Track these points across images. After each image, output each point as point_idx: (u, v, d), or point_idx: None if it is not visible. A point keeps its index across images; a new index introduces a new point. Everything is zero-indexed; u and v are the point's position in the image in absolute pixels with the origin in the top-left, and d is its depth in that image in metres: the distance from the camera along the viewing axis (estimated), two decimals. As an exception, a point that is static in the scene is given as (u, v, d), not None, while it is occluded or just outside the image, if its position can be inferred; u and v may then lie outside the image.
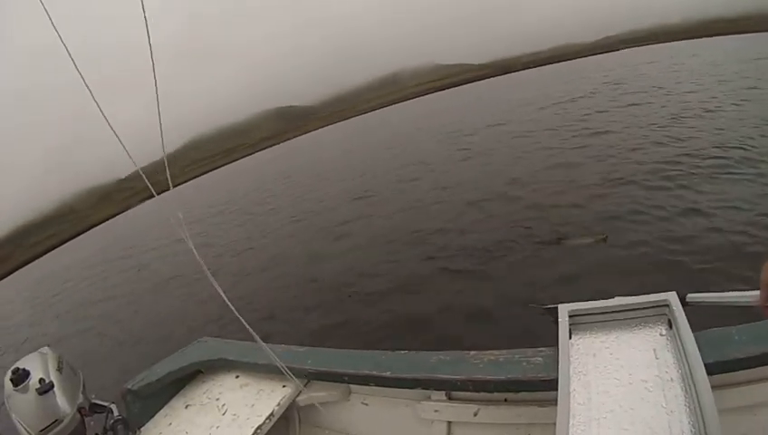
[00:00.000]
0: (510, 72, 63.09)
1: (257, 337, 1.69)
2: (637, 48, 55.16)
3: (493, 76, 64.20)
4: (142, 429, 1.87)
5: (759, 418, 1.44)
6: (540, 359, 1.39)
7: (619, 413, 1.04)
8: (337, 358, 1.80)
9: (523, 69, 63.65)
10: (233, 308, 1.54)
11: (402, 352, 1.69)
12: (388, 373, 1.57)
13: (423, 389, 1.60)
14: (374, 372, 1.60)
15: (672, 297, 1.27)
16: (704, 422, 0.94)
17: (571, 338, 1.30)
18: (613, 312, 1.32)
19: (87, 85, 1.21)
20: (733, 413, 1.37)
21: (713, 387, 1.09)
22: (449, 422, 1.65)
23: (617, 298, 1.33)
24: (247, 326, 1.61)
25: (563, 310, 1.34)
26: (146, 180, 1.45)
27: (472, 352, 1.53)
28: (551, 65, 56.95)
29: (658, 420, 0.99)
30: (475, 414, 1.56)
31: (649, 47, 50.54)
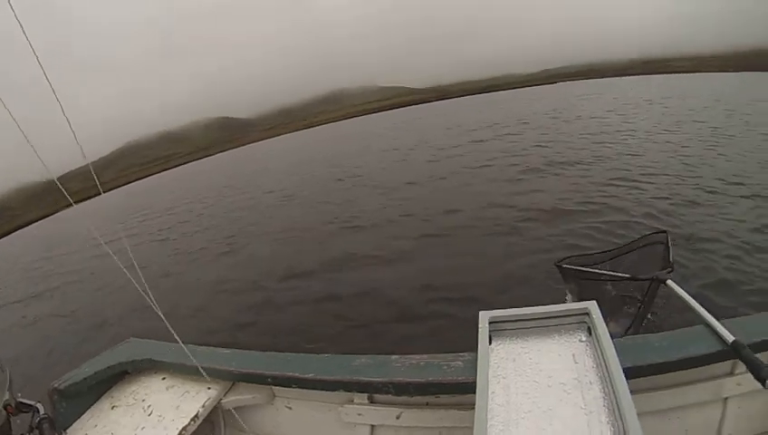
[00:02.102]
0: (445, 99, 62.98)
1: (178, 338, 1.72)
2: (572, 81, 57.31)
3: (429, 101, 63.85)
4: (68, 429, 1.80)
5: (679, 421, 1.57)
6: (460, 363, 1.44)
7: (537, 414, 1.04)
8: (261, 360, 1.78)
9: (459, 96, 63.55)
10: (157, 308, 1.55)
11: (325, 355, 1.71)
12: (310, 375, 1.58)
13: (345, 391, 1.60)
14: (296, 374, 1.60)
15: (592, 305, 1.30)
16: (623, 421, 0.94)
17: (491, 344, 1.30)
18: (534, 319, 1.33)
19: (49, 82, 1.27)
20: (652, 416, 1.51)
21: (633, 391, 1.17)
22: (372, 426, 1.69)
23: (538, 306, 1.34)
24: (169, 327, 1.63)
25: (484, 316, 1.35)
26: (63, 189, 1.44)
27: (394, 356, 1.56)
28: (484, 94, 57.76)
29: (577, 420, 0.99)
30: (398, 417, 1.61)
31: (585, 81, 53.40)
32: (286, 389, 1.77)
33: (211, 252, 8.75)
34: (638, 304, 2.84)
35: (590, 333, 1.28)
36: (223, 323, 5.30)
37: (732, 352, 1.32)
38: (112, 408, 1.87)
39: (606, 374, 1.10)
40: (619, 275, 2.79)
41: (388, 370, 1.49)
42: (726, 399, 1.57)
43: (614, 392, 1.03)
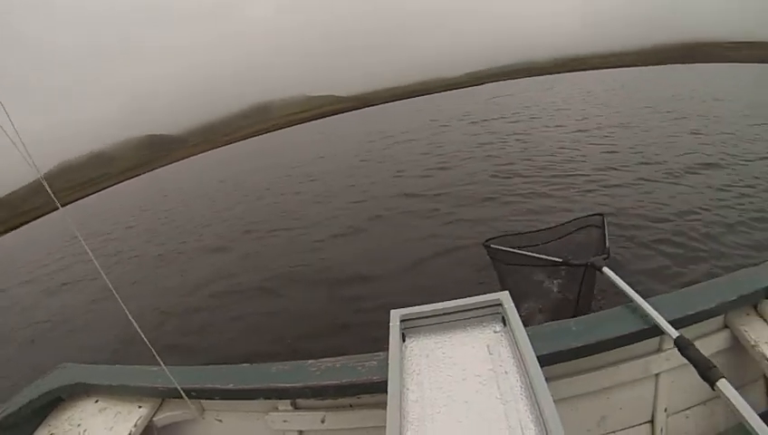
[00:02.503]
0: (373, 105, 63.23)
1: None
2: (500, 82, 59.93)
3: (358, 108, 63.73)
4: None
5: (612, 400, 1.63)
6: (375, 362, 1.49)
7: (452, 407, 1.02)
8: (188, 375, 1.77)
9: (387, 102, 63.98)
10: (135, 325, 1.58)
11: (245, 365, 1.73)
12: (230, 386, 1.60)
13: (266, 399, 1.64)
14: (218, 386, 1.63)
15: (504, 296, 1.30)
16: (539, 407, 0.94)
17: (405, 341, 1.29)
18: (447, 314, 1.31)
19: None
20: (584, 398, 1.59)
21: (558, 376, 1.40)
22: (300, 431, 1.72)
23: (451, 301, 1.32)
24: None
25: (395, 315, 1.32)
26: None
27: (311, 361, 1.59)
28: (412, 98, 58.72)
29: (494, 410, 0.99)
30: (323, 421, 1.63)
31: (512, 81, 55.87)
32: (213, 402, 1.80)
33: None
34: (577, 291, 2.65)
35: (505, 324, 1.26)
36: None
37: (655, 329, 1.41)
38: None
39: (521, 363, 1.08)
40: (552, 259, 2.57)
41: (305, 374, 1.52)
42: (658, 375, 1.62)
43: (530, 381, 1.01)
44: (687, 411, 1.73)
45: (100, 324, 6.02)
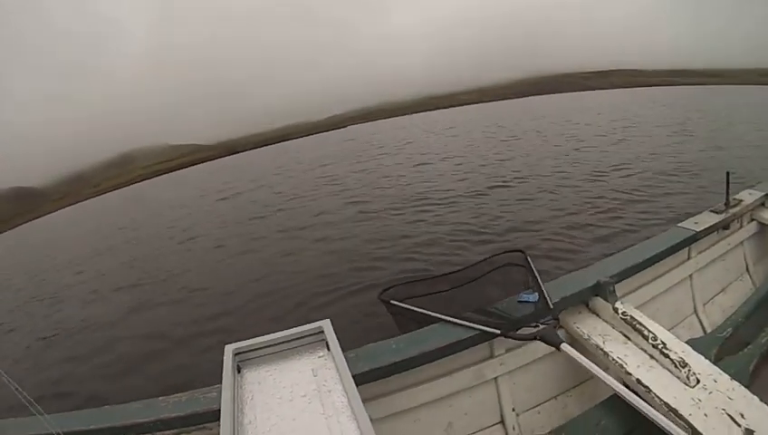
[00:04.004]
0: (236, 153, 65.71)
1: None
2: (362, 124, 64.52)
3: (221, 157, 65.91)
4: None
5: (454, 408, 1.76)
6: (215, 393, 1.51)
7: (281, 425, 1.17)
8: (54, 421, 1.66)
9: (251, 149, 67.26)
10: None
11: (106, 407, 1.73)
12: (91, 426, 1.60)
13: None
14: (76, 428, 1.60)
15: (326, 324, 1.50)
16: (357, 419, 1.11)
17: (240, 372, 1.44)
18: (277, 344, 1.49)
19: None
20: (422, 408, 1.70)
21: (385, 392, 1.54)
22: None
23: (280, 332, 1.50)
24: None
25: (228, 349, 1.46)
26: None
27: (161, 398, 1.64)
28: (276, 144, 62.15)
29: (317, 425, 1.14)
30: None
31: (374, 122, 60.02)
32: None
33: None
34: None
35: (329, 349, 1.42)
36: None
37: (482, 335, 1.64)
38: None
39: (341, 382, 1.25)
40: (466, 324, 1.76)
41: (155, 410, 1.56)
42: (496, 379, 1.80)
43: (348, 397, 1.18)
44: (538, 408, 1.88)
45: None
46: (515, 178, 9.68)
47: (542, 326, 1.62)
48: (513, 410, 1.84)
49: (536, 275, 1.93)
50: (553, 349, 1.58)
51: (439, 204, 8.31)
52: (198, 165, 60.69)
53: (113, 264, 9.97)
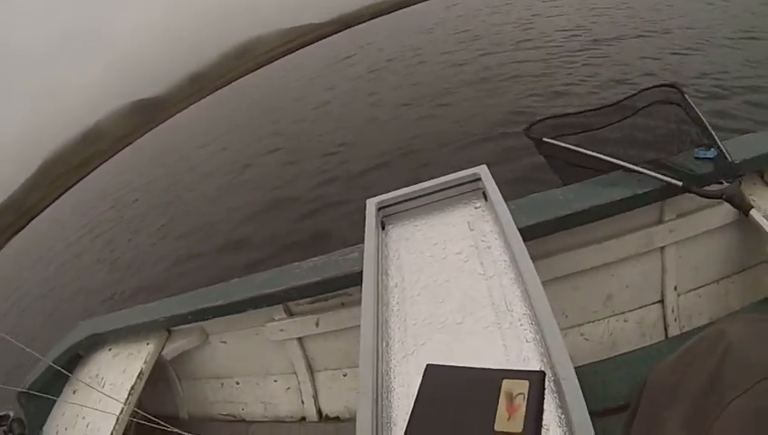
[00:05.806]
0: (352, 26, 60.40)
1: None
2: None
3: (337, 32, 61.00)
4: (44, 427, 1.82)
5: (616, 277, 1.53)
6: (356, 254, 1.49)
7: (433, 287, 1.01)
8: (185, 302, 1.85)
9: (368, 20, 60.94)
10: None
11: (234, 280, 1.79)
12: (219, 302, 1.64)
13: (257, 307, 1.64)
14: (210, 305, 1.67)
15: (483, 170, 1.26)
16: (524, 281, 0.90)
17: (385, 229, 1.27)
18: (426, 195, 1.28)
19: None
20: (583, 274, 1.51)
21: (546, 253, 1.36)
22: (299, 338, 1.76)
23: (429, 181, 1.29)
24: None
25: (371, 203, 1.30)
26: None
27: (295, 263, 1.63)
28: (394, 13, 55.03)
29: (476, 287, 0.97)
30: (317, 325, 1.66)
31: None
32: (215, 324, 1.85)
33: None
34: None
35: (486, 199, 1.23)
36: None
37: (654, 193, 1.33)
38: (74, 393, 1.92)
39: (504, 238, 1.05)
40: (646, 172, 1.51)
41: (290, 277, 1.54)
42: (663, 248, 1.53)
43: (513, 254, 0.98)
44: (700, 290, 1.62)
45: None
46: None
47: (726, 185, 1.34)
48: (675, 288, 1.60)
49: (702, 119, 1.54)
50: (730, 220, 1.45)
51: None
52: (318, 42, 57.20)
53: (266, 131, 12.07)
